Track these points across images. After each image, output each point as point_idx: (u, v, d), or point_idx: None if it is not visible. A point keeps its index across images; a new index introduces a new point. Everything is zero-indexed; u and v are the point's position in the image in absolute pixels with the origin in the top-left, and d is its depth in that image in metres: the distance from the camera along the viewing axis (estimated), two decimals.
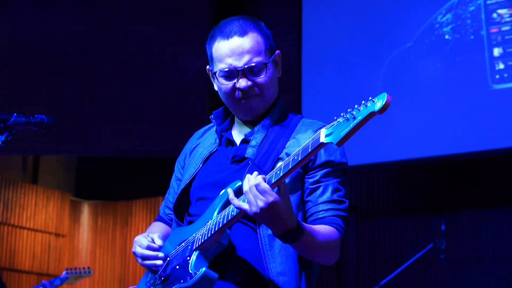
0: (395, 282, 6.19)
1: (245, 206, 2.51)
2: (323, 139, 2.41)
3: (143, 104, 8.88)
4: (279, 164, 2.53)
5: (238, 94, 2.85)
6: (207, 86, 8.36)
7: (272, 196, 2.46)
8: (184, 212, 2.94)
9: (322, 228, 2.68)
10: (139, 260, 2.83)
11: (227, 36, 2.84)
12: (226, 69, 2.83)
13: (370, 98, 2.33)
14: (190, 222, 2.86)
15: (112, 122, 8.90)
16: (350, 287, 8.28)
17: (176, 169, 3.15)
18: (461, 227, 7.70)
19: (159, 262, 2.79)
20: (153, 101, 8.87)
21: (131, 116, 8.91)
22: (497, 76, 7.47)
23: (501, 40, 7.49)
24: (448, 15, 7.75)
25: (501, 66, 7.48)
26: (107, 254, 10.72)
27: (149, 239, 2.81)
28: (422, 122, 7.65)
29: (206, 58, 2.96)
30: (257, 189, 2.47)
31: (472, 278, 7.60)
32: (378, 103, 2.28)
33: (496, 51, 7.50)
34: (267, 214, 2.49)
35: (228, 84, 2.85)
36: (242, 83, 2.82)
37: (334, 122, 2.41)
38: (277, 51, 2.93)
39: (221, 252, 2.69)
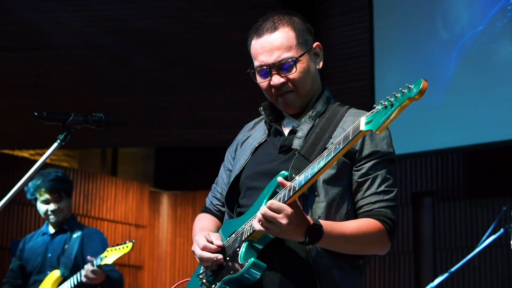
0: (469, 266, 6.10)
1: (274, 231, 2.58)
2: (362, 127, 2.46)
3: (213, 92, 8.94)
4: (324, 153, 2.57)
5: (273, 90, 2.90)
6: None
7: (286, 214, 2.53)
8: (235, 203, 2.97)
9: (358, 222, 2.73)
10: (197, 258, 2.86)
11: (259, 34, 2.91)
12: (259, 67, 2.90)
13: (407, 84, 2.38)
14: (240, 213, 2.90)
15: (186, 112, 8.99)
16: (427, 269, 8.25)
17: (226, 159, 3.21)
18: None
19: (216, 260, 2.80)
20: (224, 88, 8.93)
21: (204, 105, 8.98)
22: None
23: None
24: None
25: None
26: (187, 243, 10.82)
27: (209, 238, 2.83)
28: (495, 106, 7.55)
29: None
30: (272, 213, 2.53)
31: None
32: (415, 89, 2.36)
33: None
34: (289, 229, 2.56)
35: (264, 82, 2.91)
36: (275, 79, 2.88)
37: (374, 110, 2.46)
38: (316, 43, 2.96)
39: (269, 242, 2.72)
